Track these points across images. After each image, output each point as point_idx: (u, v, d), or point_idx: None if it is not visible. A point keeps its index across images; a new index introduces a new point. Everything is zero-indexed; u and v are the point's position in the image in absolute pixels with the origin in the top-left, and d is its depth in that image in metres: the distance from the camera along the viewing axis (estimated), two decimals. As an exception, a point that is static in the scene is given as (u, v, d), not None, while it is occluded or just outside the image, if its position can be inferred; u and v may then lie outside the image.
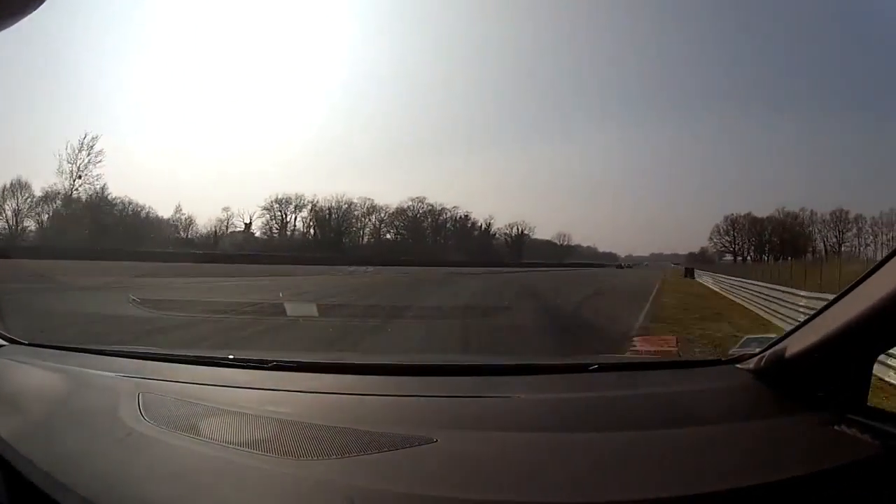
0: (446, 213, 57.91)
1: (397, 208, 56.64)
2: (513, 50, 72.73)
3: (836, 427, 1.12)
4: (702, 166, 68.83)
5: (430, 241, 56.87)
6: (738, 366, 1.51)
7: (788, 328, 1.37)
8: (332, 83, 75.10)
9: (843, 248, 48.65)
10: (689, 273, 35.71)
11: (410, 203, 57.32)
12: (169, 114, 68.94)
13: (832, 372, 1.21)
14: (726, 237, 55.58)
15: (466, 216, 58.60)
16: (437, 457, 1.09)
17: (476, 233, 59.15)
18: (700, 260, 54.34)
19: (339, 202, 55.07)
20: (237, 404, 1.39)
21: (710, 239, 55.36)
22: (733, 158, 64.47)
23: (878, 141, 54.90)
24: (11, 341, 2.03)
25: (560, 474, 1.03)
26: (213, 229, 49.32)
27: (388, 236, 56.33)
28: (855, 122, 59.63)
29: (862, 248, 48.86)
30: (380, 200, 54.70)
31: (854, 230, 50.69)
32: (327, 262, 33.87)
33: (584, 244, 58.95)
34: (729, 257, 54.52)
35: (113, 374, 1.67)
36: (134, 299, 8.87)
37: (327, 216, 54.46)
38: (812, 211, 51.24)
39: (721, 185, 66.83)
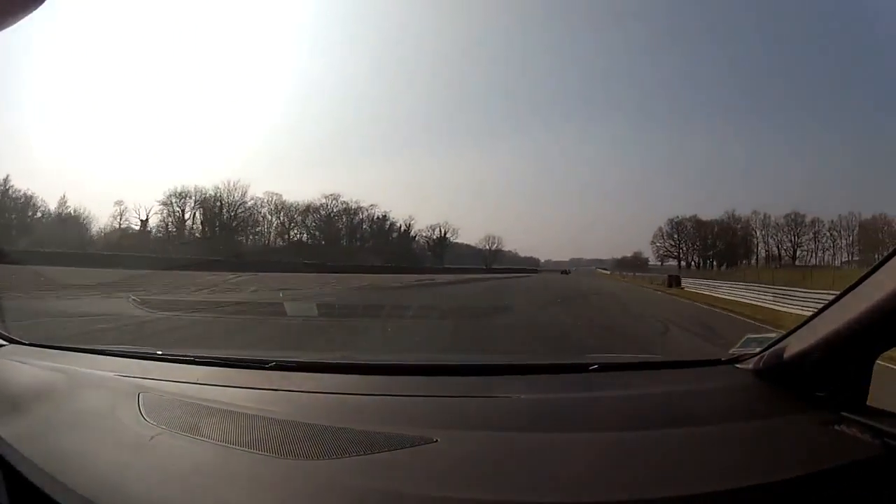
0: (363, 213, 51.30)
1: (309, 205, 49.47)
2: (438, 50, 68.34)
3: (835, 427, 1.13)
4: (629, 171, 67.09)
5: (344, 242, 50.48)
6: (738, 365, 1.52)
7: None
8: (243, 69, 67.31)
9: (798, 253, 47.09)
10: (675, 281, 29.36)
11: (324, 200, 50.09)
12: (59, 94, 56.87)
13: (832, 372, 1.20)
14: (670, 241, 51.65)
15: (384, 216, 52.16)
16: (437, 457, 1.09)
17: (395, 234, 53.14)
18: (631, 265, 51.88)
19: (230, 191, 44.85)
20: (237, 404, 1.38)
21: (653, 242, 51.63)
22: (666, 163, 63.21)
23: (835, 143, 54.30)
24: (11, 341, 2.02)
25: (560, 474, 1.03)
26: (83, 224, 41.66)
27: (299, 237, 49.41)
28: (811, 125, 58.48)
29: (820, 253, 47.21)
30: (290, 197, 47.93)
31: (810, 234, 48.26)
32: (218, 268, 27.25)
33: (505, 248, 54.62)
34: (672, 262, 50.67)
35: (113, 374, 1.65)
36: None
37: (218, 209, 45.96)
38: (765, 214, 48.79)
39: (649, 190, 65.30)
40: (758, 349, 1.48)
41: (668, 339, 8.40)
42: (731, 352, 1.60)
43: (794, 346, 1.30)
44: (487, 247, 54.02)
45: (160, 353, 1.93)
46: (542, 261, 57.03)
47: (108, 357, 1.90)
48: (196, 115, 62.29)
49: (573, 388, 1.58)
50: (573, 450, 1.13)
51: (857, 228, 44.65)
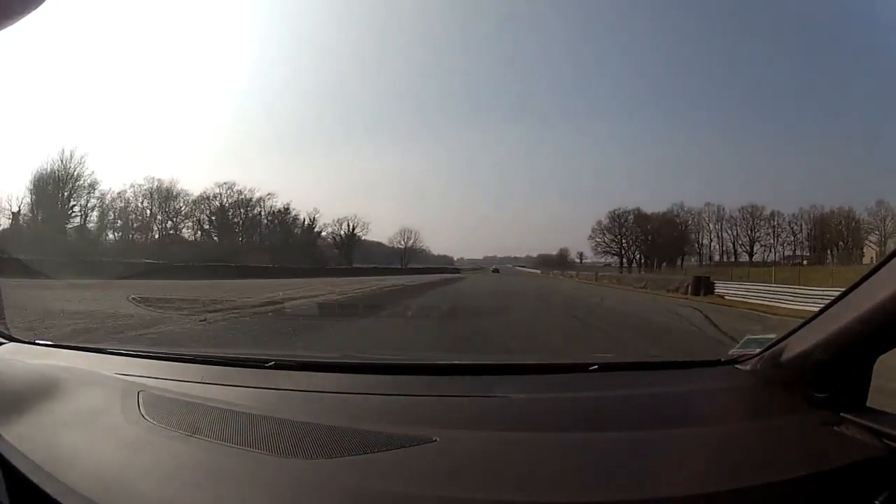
0: (262, 204, 43.72)
1: (201, 195, 41.40)
2: (344, 43, 64.76)
3: (835, 428, 1.12)
4: (548, 168, 64.56)
5: (241, 238, 43.43)
6: (738, 366, 1.51)
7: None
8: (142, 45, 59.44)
9: (755, 248, 43.54)
10: (706, 287, 20.09)
11: (217, 190, 42.09)
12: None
13: (832, 372, 1.19)
14: (609, 235, 46.12)
15: (286, 208, 44.70)
16: (437, 457, 1.09)
17: (297, 230, 45.83)
18: (557, 263, 48.32)
19: (65, 162, 34.15)
20: (237, 403, 1.37)
21: (591, 237, 46.45)
22: (593, 158, 60.78)
23: (793, 136, 52.98)
24: (12, 339, 2.01)
25: (560, 474, 1.03)
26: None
27: (187, 233, 41.59)
28: (767, 117, 56.20)
29: (780, 248, 43.52)
30: (182, 186, 40.03)
31: (768, 228, 44.58)
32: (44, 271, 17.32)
33: (418, 246, 48.96)
34: (610, 259, 45.72)
35: (113, 373, 1.65)
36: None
37: (60, 190, 35.47)
38: (720, 207, 44.98)
39: (573, 187, 62.59)
40: (758, 350, 1.47)
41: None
42: (730, 352, 1.57)
43: (794, 346, 1.30)
44: (402, 243, 47.17)
45: (160, 351, 1.97)
46: (456, 259, 52.91)
47: (108, 356, 1.90)
48: (82, 90, 53.56)
49: (573, 388, 1.56)
50: (573, 450, 1.12)
51: (817, 223, 41.83)
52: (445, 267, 46.25)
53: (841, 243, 40.98)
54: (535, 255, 54.22)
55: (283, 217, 43.81)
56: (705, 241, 45.19)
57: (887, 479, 0.98)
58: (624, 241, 45.42)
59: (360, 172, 62.71)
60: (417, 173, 62.88)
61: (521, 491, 0.96)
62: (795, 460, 1.06)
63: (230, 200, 42.18)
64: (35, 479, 1.04)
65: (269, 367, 1.66)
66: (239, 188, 41.46)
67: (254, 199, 42.26)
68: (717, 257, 43.98)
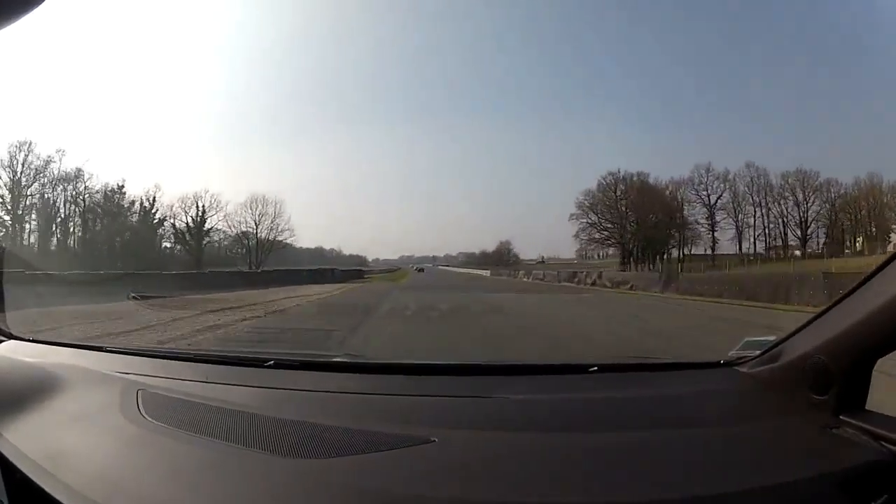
0: (82, 179, 32.82)
1: None
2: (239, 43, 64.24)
3: (834, 430, 1.13)
4: (465, 166, 63.62)
5: (45, 231, 32.96)
6: (737, 368, 1.51)
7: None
8: None
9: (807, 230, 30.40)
10: None
11: (6, 152, 31.65)
12: None
13: (831, 375, 1.19)
14: (599, 213, 29.57)
15: (121, 187, 34.02)
16: (436, 457, 1.09)
17: (134, 216, 34.71)
18: (493, 261, 40.88)
19: None
20: (236, 402, 1.38)
21: (574, 217, 32.57)
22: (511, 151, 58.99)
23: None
24: (12, 337, 2.02)
25: (559, 475, 1.04)
26: None
27: None
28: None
29: (833, 231, 30.05)
30: None
31: (822, 199, 31.93)
32: None
33: (328, 246, 43.05)
34: (599, 248, 30.57)
35: (113, 372, 1.65)
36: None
37: None
38: (760, 168, 30.40)
39: (510, 175, 59.00)
40: (757, 352, 1.47)
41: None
42: (730, 354, 1.58)
43: (793, 349, 1.30)
44: (255, 223, 34.40)
45: (160, 350, 2.06)
46: (371, 259, 49.99)
47: (108, 354, 1.91)
48: None
49: (572, 389, 1.57)
50: (571, 450, 1.12)
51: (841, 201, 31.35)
52: (332, 269, 30.81)
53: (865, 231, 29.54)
54: (455, 253, 51.70)
55: (115, 198, 32.05)
56: (749, 221, 29.84)
57: (886, 483, 0.99)
58: (628, 223, 28.46)
59: (274, 179, 56.65)
60: (337, 177, 58.49)
61: (520, 492, 0.97)
62: (794, 463, 1.07)
63: (30, 170, 30.44)
64: (34, 477, 1.05)
65: (269, 367, 1.68)
66: (49, 153, 29.91)
67: (57, 172, 30.29)
68: (760, 245, 29.54)
